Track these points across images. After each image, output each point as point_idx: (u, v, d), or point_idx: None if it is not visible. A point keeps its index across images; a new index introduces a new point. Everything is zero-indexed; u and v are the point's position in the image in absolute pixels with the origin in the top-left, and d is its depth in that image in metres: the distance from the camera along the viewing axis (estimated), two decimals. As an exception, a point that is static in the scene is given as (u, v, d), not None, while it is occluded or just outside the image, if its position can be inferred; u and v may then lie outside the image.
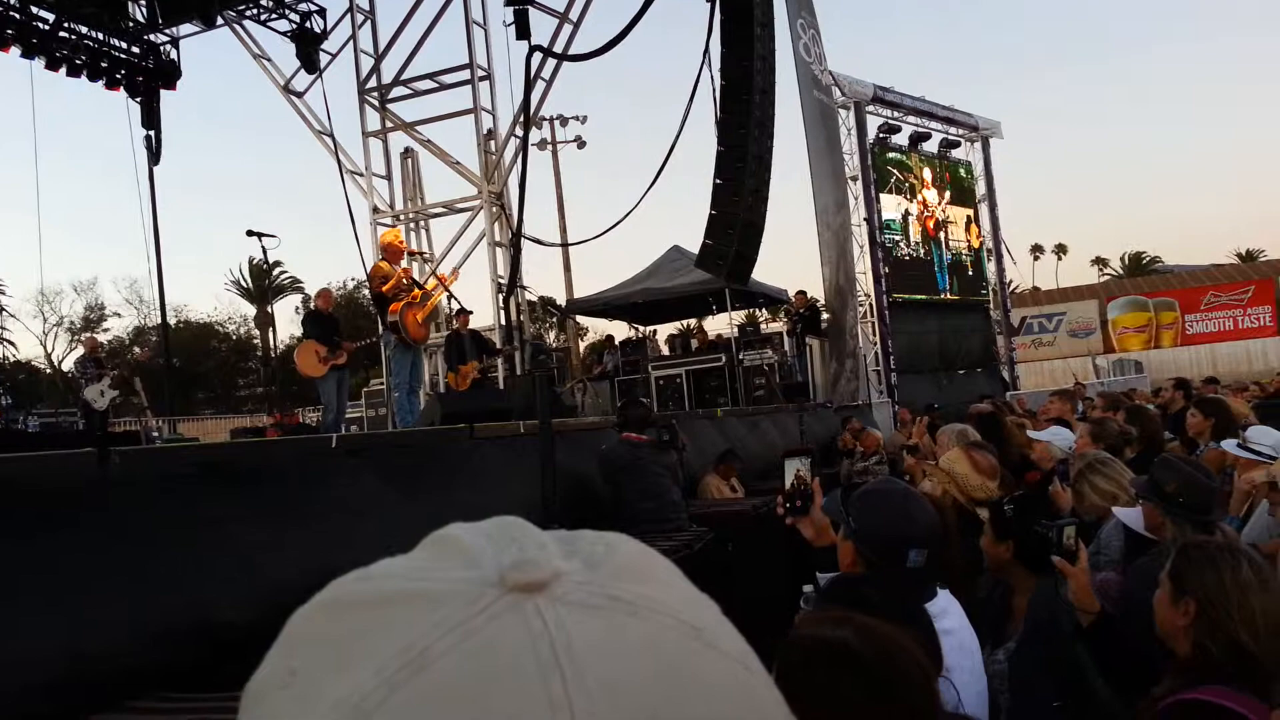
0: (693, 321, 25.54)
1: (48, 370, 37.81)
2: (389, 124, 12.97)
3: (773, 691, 0.42)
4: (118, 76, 13.91)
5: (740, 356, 14.16)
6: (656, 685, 0.37)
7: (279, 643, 0.41)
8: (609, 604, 0.39)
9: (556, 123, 26.67)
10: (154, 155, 14.60)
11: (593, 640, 0.37)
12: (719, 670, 0.40)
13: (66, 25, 12.89)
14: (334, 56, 13.30)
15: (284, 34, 13.31)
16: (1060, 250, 61.43)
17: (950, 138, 19.28)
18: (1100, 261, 58.60)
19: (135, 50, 14.18)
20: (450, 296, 9.98)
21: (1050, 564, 2.46)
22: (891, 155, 17.72)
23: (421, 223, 13.21)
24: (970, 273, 19.45)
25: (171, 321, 26.43)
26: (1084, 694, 2.25)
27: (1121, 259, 56.24)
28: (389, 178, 13.06)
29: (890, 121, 17.67)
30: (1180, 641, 1.97)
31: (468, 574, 0.40)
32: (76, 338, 37.90)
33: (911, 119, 18.29)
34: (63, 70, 13.04)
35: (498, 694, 0.35)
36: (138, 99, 14.32)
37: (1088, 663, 2.28)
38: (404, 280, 9.04)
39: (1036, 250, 59.78)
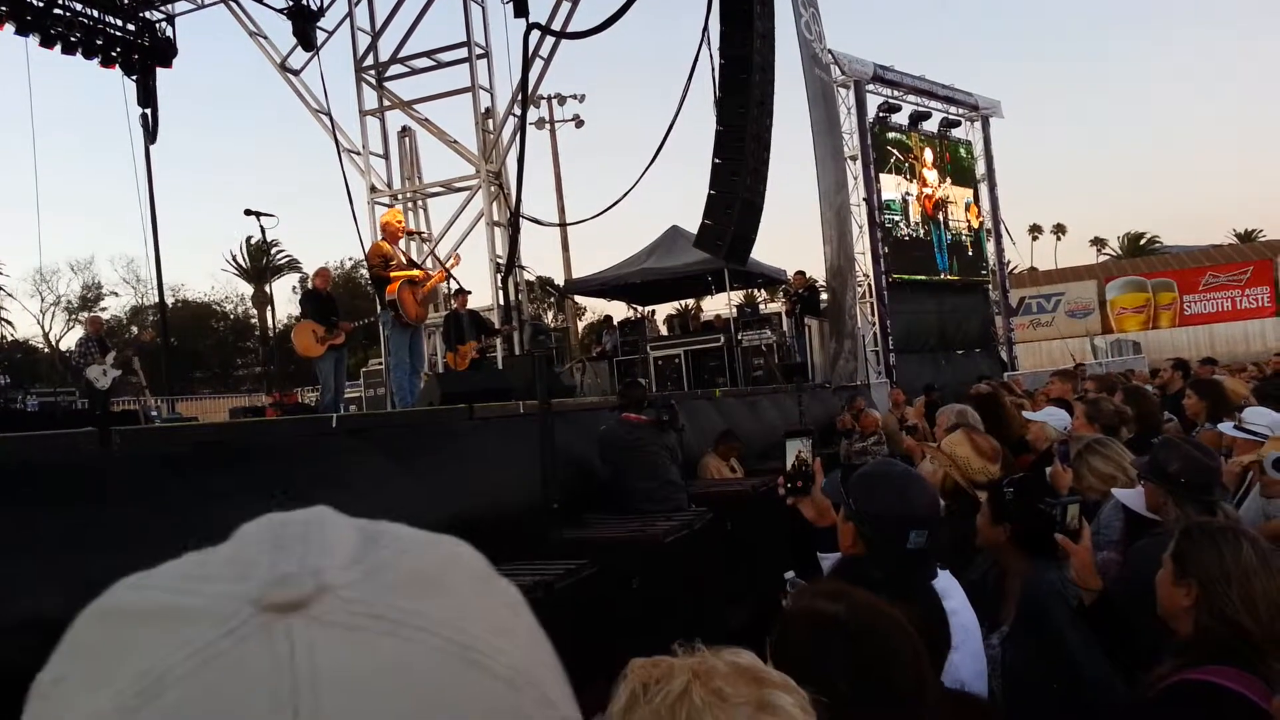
0: (691, 302, 25.58)
1: (45, 349, 37.78)
2: (386, 102, 12.90)
3: (549, 714, 0.40)
4: (113, 54, 13.79)
5: (739, 337, 14.16)
6: (400, 715, 0.35)
7: (61, 644, 0.39)
8: (369, 623, 0.37)
9: (554, 101, 26.55)
10: (150, 134, 14.51)
11: (340, 666, 0.35)
12: (477, 693, 0.37)
13: (60, 2, 12.77)
14: (330, 34, 13.19)
15: (280, 11, 13.18)
16: (1059, 230, 61.35)
17: (950, 117, 19.19)
18: (1098, 242, 58.54)
19: (130, 28, 14.06)
20: (450, 277, 9.96)
21: (1045, 547, 2.47)
22: (891, 135, 17.65)
23: (419, 202, 13.16)
24: (970, 253, 19.43)
25: (169, 301, 26.40)
26: (1075, 679, 2.26)
27: (1120, 239, 56.20)
28: (386, 157, 13.00)
29: (890, 100, 17.58)
30: (1182, 622, 1.98)
31: (230, 588, 0.38)
32: (74, 317, 37.87)
33: (911, 98, 18.20)
34: (58, 48, 12.93)
35: None
36: (133, 77, 14.21)
37: (1078, 647, 2.28)
38: (404, 261, 9.01)
39: (1035, 230, 59.67)
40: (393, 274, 8.61)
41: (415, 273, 8.79)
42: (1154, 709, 1.91)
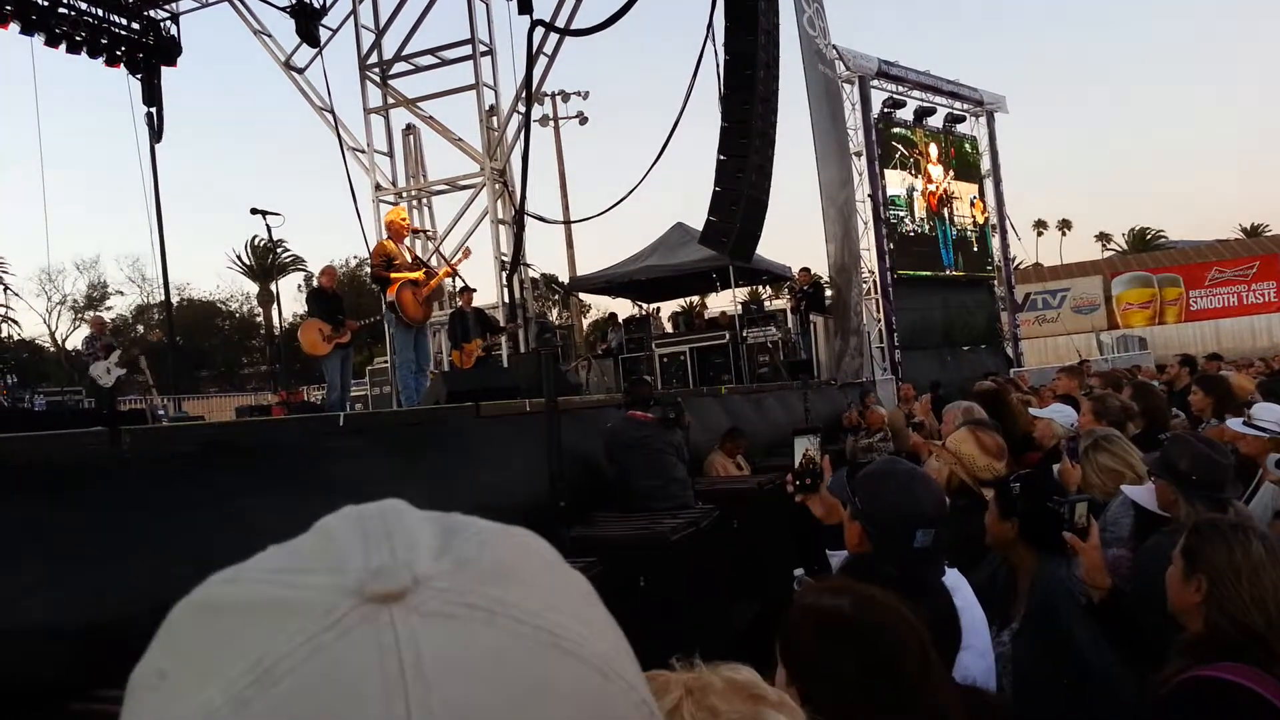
0: (696, 299, 25.55)
1: (51, 349, 37.87)
2: (390, 100, 12.90)
3: (633, 697, 0.42)
4: (117, 53, 13.82)
5: (744, 334, 14.14)
6: (503, 700, 0.36)
7: (157, 638, 0.40)
8: (465, 612, 0.38)
9: (558, 98, 26.49)
10: (156, 133, 14.53)
11: (443, 654, 0.36)
12: (572, 680, 0.39)
13: (65, 1, 12.80)
14: (334, 32, 13.20)
15: (283, 9, 13.19)
16: (1064, 226, 61.20)
17: (955, 112, 19.16)
18: (1104, 237, 58.44)
19: (135, 26, 14.08)
20: (454, 275, 9.94)
21: (1054, 544, 2.46)
22: (896, 130, 17.62)
23: (424, 200, 13.16)
24: (975, 249, 19.40)
25: (174, 300, 26.43)
26: (1084, 676, 2.25)
27: (1125, 234, 56.05)
28: (391, 154, 13.01)
29: (895, 96, 17.55)
30: (1192, 618, 1.98)
31: (329, 580, 0.39)
32: (80, 316, 37.97)
33: (916, 93, 18.17)
34: (62, 47, 12.96)
35: (339, 715, 0.35)
36: (138, 76, 14.24)
37: (1087, 645, 2.28)
38: (408, 259, 9.00)
39: (1040, 226, 59.55)
40: (394, 274, 8.60)
41: (416, 274, 8.77)
42: (1165, 706, 1.91)
